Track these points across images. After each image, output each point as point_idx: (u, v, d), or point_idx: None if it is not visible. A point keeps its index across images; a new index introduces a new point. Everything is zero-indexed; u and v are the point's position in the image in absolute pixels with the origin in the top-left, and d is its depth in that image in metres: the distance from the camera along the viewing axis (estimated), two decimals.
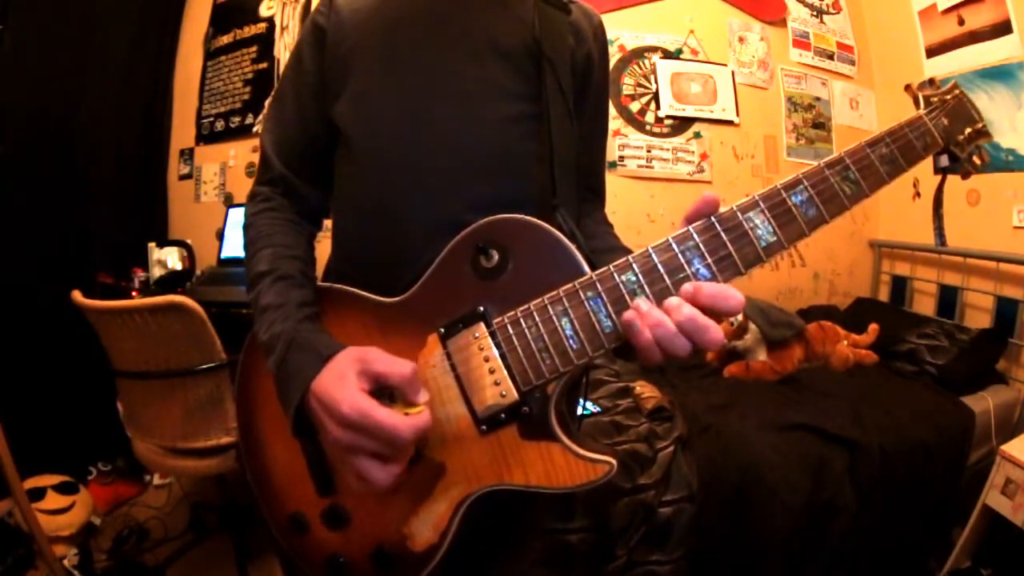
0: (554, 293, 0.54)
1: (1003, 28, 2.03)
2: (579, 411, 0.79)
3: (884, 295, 2.62)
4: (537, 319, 0.55)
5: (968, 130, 0.58)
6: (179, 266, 2.30)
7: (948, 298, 2.25)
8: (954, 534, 1.58)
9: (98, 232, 2.33)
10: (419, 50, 0.68)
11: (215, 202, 2.63)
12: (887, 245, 2.62)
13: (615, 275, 0.52)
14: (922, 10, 2.32)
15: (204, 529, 1.97)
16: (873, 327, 2.14)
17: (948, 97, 0.58)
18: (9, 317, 1.96)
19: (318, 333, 0.62)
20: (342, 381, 0.55)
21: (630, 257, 0.52)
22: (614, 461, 0.54)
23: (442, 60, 0.68)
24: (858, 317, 2.30)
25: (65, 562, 1.64)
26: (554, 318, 0.54)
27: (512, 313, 0.56)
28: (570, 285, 0.54)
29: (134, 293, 2.09)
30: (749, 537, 1.40)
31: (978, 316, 2.14)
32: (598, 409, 1.66)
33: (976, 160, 0.60)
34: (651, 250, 0.52)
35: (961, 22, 2.17)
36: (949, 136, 0.57)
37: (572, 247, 0.56)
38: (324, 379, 0.56)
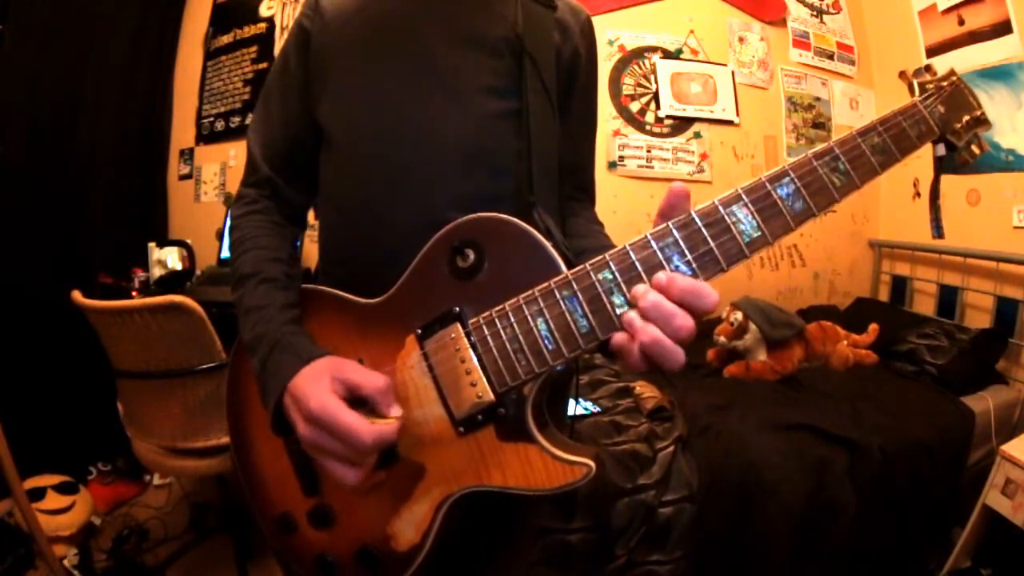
0: (529, 293, 0.53)
1: (1003, 28, 2.02)
2: (576, 411, 0.79)
3: (884, 295, 2.62)
4: (512, 319, 0.53)
5: (966, 118, 0.54)
6: (179, 266, 2.30)
7: (948, 298, 2.24)
8: (954, 534, 1.57)
9: (98, 232, 2.33)
10: (401, 48, 0.68)
11: (215, 202, 2.63)
12: (887, 245, 2.61)
13: (591, 274, 0.51)
14: (922, 10, 2.32)
15: (204, 529, 1.97)
16: (873, 327, 2.13)
17: (945, 84, 0.55)
18: (9, 317, 1.97)
19: (302, 336, 0.63)
20: (317, 382, 0.56)
21: (607, 255, 0.50)
22: (592, 463, 0.53)
23: (424, 58, 0.68)
24: (858, 317, 2.30)
25: (65, 562, 1.65)
26: (529, 319, 0.53)
27: (487, 313, 0.55)
28: (545, 284, 0.52)
29: (134, 293, 2.09)
30: (749, 537, 1.40)
31: (978, 316, 2.14)
32: (598, 409, 1.66)
33: (974, 149, 0.56)
34: (628, 247, 0.50)
35: (961, 22, 2.17)
36: (945, 124, 0.53)
37: (548, 245, 0.54)
38: (300, 378, 0.57)
